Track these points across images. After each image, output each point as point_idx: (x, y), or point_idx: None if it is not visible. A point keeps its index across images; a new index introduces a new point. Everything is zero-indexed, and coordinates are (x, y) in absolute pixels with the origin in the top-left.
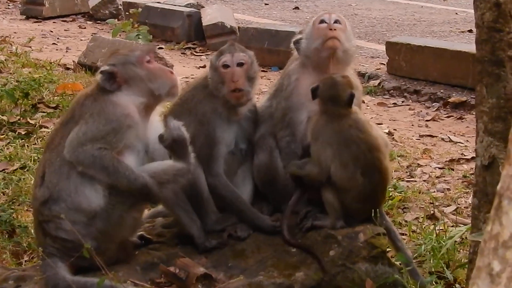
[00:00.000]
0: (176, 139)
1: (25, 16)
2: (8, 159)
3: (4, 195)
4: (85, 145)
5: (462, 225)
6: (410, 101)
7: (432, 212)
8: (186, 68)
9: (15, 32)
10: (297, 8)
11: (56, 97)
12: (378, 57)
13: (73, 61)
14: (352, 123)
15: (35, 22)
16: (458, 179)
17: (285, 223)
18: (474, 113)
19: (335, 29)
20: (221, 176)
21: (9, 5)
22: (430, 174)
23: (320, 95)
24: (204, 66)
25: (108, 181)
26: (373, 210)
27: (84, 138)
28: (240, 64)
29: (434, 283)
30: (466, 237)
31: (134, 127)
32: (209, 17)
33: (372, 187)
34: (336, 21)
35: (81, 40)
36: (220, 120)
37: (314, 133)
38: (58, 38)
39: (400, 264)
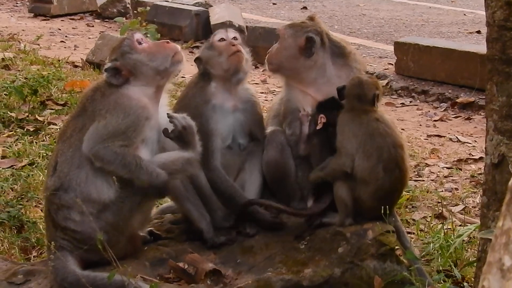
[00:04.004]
0: (185, 126)
1: (33, 14)
2: (17, 155)
3: (12, 191)
4: (106, 141)
5: (469, 225)
6: (418, 101)
7: (440, 211)
8: (194, 67)
9: (23, 30)
10: (305, 8)
11: (64, 95)
12: (386, 57)
13: (82, 58)
14: (379, 118)
15: (43, 20)
16: (466, 179)
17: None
18: (482, 113)
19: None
20: (218, 170)
21: (17, 3)
22: (438, 173)
23: (346, 94)
24: None
25: (128, 177)
26: (384, 207)
27: (105, 133)
28: (234, 39)
29: (442, 281)
30: (474, 236)
31: (150, 118)
32: (217, 16)
33: (391, 185)
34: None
35: (89, 38)
36: (212, 111)
37: (340, 127)
38: (66, 36)
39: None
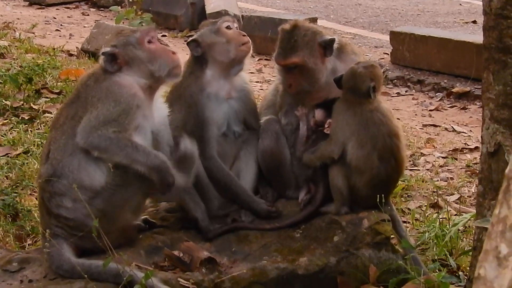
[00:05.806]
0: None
1: (28, 2)
2: (12, 143)
3: (7, 179)
4: (98, 129)
5: (465, 214)
6: (414, 91)
7: (435, 200)
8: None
9: (18, 18)
10: None
11: (59, 83)
12: (382, 46)
13: (77, 47)
14: (374, 108)
15: (38, 8)
16: (461, 168)
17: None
18: (477, 103)
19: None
20: (215, 159)
21: None
22: (434, 163)
23: (342, 84)
24: None
25: (126, 162)
26: (379, 196)
27: (97, 122)
28: (236, 29)
29: (437, 270)
30: (469, 226)
31: (141, 106)
32: (212, 5)
33: (387, 174)
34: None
35: (84, 27)
36: (207, 100)
37: (335, 114)
38: (61, 25)
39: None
